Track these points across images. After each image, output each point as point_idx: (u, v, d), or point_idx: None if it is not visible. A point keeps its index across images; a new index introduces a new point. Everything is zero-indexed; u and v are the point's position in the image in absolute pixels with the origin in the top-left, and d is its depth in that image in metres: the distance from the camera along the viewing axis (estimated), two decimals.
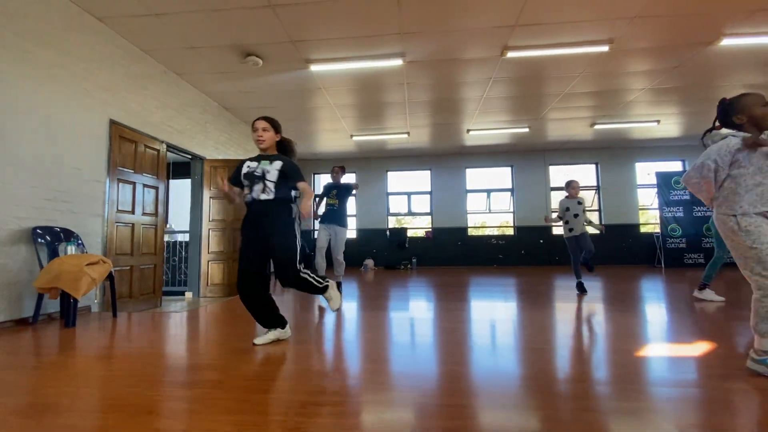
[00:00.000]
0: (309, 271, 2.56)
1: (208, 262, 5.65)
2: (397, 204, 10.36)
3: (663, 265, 8.78)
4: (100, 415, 1.48)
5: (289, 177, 2.50)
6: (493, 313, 3.63)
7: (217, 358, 2.23)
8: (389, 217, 10.27)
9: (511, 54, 4.72)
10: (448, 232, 9.91)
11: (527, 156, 9.88)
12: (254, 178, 2.48)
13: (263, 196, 2.44)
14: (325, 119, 7.22)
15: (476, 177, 10.18)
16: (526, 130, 7.91)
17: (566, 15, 4.05)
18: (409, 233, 10.01)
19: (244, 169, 2.54)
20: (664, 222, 8.86)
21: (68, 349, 2.47)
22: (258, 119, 2.56)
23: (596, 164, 9.78)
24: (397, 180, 10.44)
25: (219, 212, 5.74)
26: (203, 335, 2.99)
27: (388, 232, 10.02)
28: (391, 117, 7.19)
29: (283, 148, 2.70)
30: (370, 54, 4.78)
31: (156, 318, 3.63)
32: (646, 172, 9.58)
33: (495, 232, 10.25)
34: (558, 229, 10.52)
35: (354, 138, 8.24)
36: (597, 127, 7.82)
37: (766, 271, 1.75)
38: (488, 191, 10.05)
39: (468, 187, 10.07)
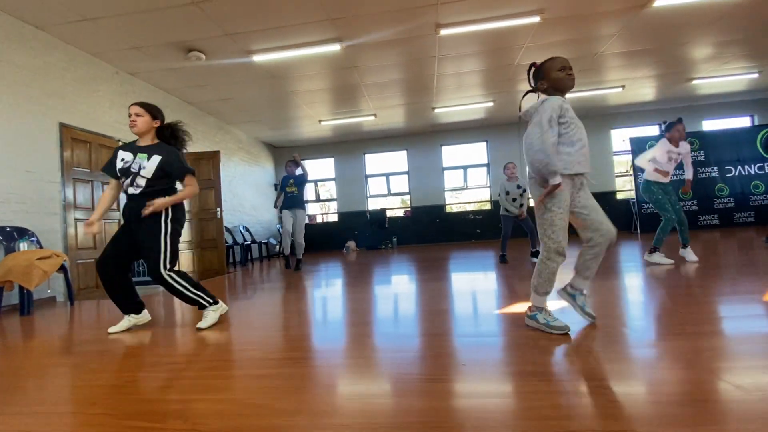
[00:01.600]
0: (184, 281, 2.50)
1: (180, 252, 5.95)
2: (376, 186, 10.53)
3: (639, 231, 8.83)
4: None
5: (171, 173, 2.44)
6: (405, 287, 3.85)
7: (132, 339, 2.51)
8: (369, 199, 10.47)
9: (444, 31, 4.79)
10: (427, 210, 10.09)
11: (501, 130, 9.90)
12: (129, 174, 2.39)
13: (133, 191, 2.39)
14: (288, 107, 7.37)
15: (452, 154, 10.26)
16: (491, 104, 7.94)
17: None
18: (389, 213, 10.21)
19: (119, 164, 2.43)
20: (638, 188, 8.86)
21: (9, 333, 2.79)
22: (132, 104, 2.46)
23: (659, 125, 9.69)
24: (375, 162, 10.58)
25: (185, 203, 6.01)
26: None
27: (368, 214, 10.24)
28: (354, 100, 7.30)
29: (166, 137, 2.52)
30: (307, 41, 4.90)
31: (110, 305, 3.95)
32: (621, 138, 9.53)
33: (473, 207, 10.36)
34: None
35: (323, 123, 8.38)
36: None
37: (554, 235, 1.89)
38: (464, 167, 10.14)
39: (444, 165, 10.17)
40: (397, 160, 10.45)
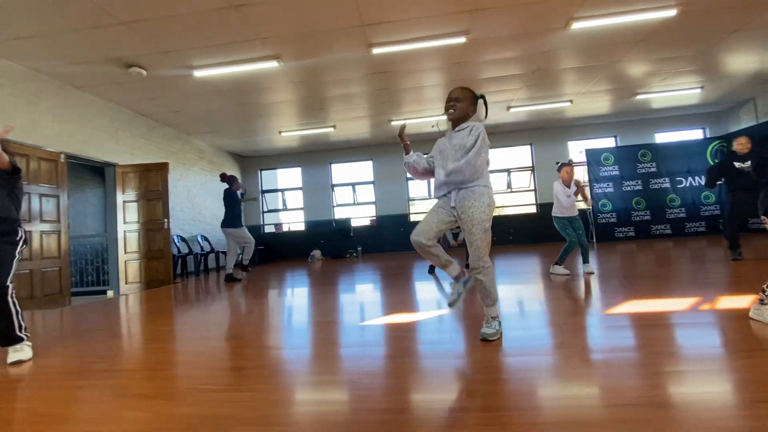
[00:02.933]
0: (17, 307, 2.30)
1: (125, 261, 6.03)
2: (343, 195, 10.67)
3: (595, 240, 9.03)
4: None
5: None
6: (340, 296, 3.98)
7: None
8: (335, 208, 10.60)
9: (375, 50, 4.97)
10: (392, 219, 10.23)
11: None
12: None
13: None
14: (243, 118, 7.49)
15: None
16: (444, 117, 8.12)
17: (416, 12, 4.28)
18: (355, 223, 10.34)
19: None
20: (595, 198, 9.08)
21: None
22: None
23: (530, 145, 9.99)
24: (341, 171, 10.73)
25: (132, 214, 6.10)
26: (51, 331, 3.37)
27: (334, 223, 10.36)
28: (310, 112, 7.46)
29: None
30: (246, 58, 5.04)
31: (33, 316, 4.03)
32: (578, 150, 9.76)
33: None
34: (502, 210, 10.80)
35: (283, 134, 8.52)
36: (514, 110, 8.04)
37: (488, 249, 2.10)
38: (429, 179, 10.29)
39: (408, 175, 10.32)
40: (363, 169, 10.61)
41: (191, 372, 1.92)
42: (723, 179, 4.83)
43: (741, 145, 4.57)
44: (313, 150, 10.44)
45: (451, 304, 2.23)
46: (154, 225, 6.12)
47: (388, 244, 10.18)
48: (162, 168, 6.22)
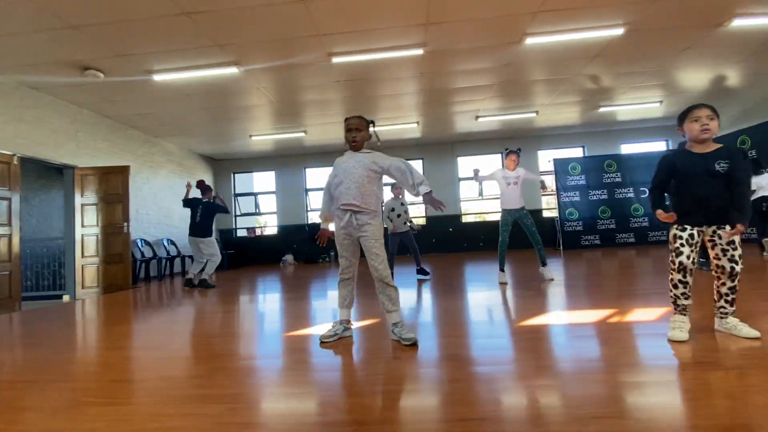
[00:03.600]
0: None
1: (83, 265, 5.93)
2: (317, 199, 10.67)
3: (562, 247, 9.22)
4: None
5: None
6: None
7: None
8: (309, 213, 10.59)
9: (335, 59, 5.03)
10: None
11: (436, 149, 10.24)
12: None
13: None
14: (213, 122, 7.46)
15: None
16: (415, 125, 8.27)
17: (372, 24, 4.35)
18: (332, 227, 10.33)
19: None
20: (562, 206, 9.28)
21: None
22: None
23: (501, 153, 10.15)
24: (316, 176, 10.74)
25: (91, 218, 6.01)
26: None
27: (307, 227, 10.35)
28: (279, 117, 7.47)
29: None
30: (204, 63, 5.04)
31: None
32: (547, 159, 9.98)
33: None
34: (468, 217, 10.95)
35: (253, 138, 8.50)
36: (482, 119, 8.18)
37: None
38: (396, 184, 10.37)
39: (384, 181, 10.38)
40: None
41: (85, 384, 1.92)
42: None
43: None
44: (287, 154, 10.43)
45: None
46: (113, 229, 6.04)
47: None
48: (123, 171, 6.15)
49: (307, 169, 10.64)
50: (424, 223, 10.21)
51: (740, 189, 1.98)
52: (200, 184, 6.00)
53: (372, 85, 6.14)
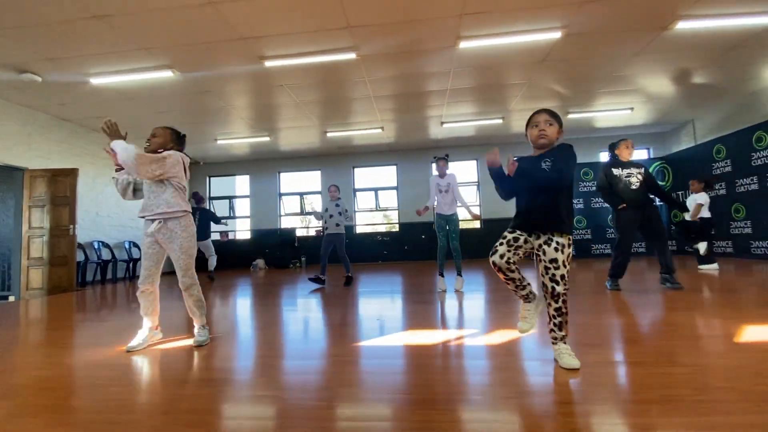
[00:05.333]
0: None
1: (28, 267, 5.96)
2: (291, 204, 10.63)
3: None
4: None
5: None
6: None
7: None
8: (282, 218, 10.54)
9: (268, 63, 4.96)
10: None
11: (411, 154, 10.09)
12: None
13: None
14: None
15: (365, 176, 10.41)
16: (379, 130, 8.14)
17: (295, 27, 4.27)
18: (299, 233, 10.27)
19: None
20: None
21: None
22: None
23: (476, 160, 9.96)
24: (289, 181, 10.71)
25: (38, 220, 6.04)
26: None
27: (279, 232, 10.30)
28: (237, 121, 7.44)
29: None
30: (141, 67, 5.03)
31: None
32: None
33: (383, 229, 10.46)
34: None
35: (218, 141, 8.50)
36: (446, 125, 8.02)
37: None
38: (375, 189, 10.27)
39: (356, 186, 10.30)
40: (312, 179, 10.57)
41: None
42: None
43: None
44: (261, 158, 10.42)
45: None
46: (59, 231, 6.06)
47: (333, 255, 10.06)
48: (71, 173, 6.17)
49: (281, 174, 10.59)
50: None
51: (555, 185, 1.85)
52: (194, 195, 7.13)
53: (332, 90, 6.06)
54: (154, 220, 2.50)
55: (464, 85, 6.14)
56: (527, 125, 2.02)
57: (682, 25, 4.50)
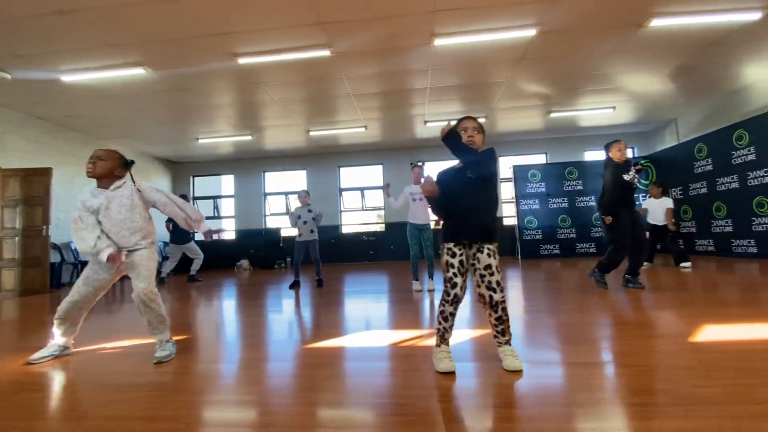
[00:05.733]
0: None
1: (1, 268, 5.83)
2: (276, 204, 10.54)
3: (520, 256, 8.92)
4: None
5: None
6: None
7: None
8: (267, 218, 10.45)
9: (241, 60, 4.88)
10: (322, 230, 10.04)
11: (396, 154, 10.04)
12: None
13: None
14: (147, 124, 7.33)
15: (350, 175, 10.35)
16: (363, 129, 8.09)
17: (267, 23, 4.20)
18: (284, 233, 10.19)
19: None
20: (520, 214, 9.00)
21: None
22: None
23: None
24: (274, 180, 10.61)
25: (10, 220, 5.92)
26: None
27: (264, 232, 10.21)
28: (217, 120, 7.35)
29: None
30: (111, 64, 4.93)
31: None
32: (507, 166, 9.71)
33: (369, 229, 10.39)
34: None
35: (200, 141, 8.40)
36: (430, 125, 7.97)
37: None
38: (362, 189, 10.20)
39: (342, 186, 10.23)
40: (297, 179, 10.49)
41: None
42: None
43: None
44: (246, 158, 10.32)
45: None
46: (32, 232, 5.94)
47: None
48: (45, 173, 6.06)
49: (266, 173, 10.50)
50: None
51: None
52: (181, 197, 6.62)
53: (309, 89, 5.99)
54: None
55: (444, 84, 6.09)
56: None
57: (657, 23, 4.48)
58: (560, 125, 8.76)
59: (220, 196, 10.75)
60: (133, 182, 2.41)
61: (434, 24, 4.37)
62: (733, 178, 6.57)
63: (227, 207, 10.79)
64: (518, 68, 5.63)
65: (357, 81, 5.81)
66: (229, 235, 10.55)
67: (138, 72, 5.06)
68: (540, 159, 9.87)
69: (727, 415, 1.24)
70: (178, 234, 6.77)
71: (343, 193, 10.27)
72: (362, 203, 10.21)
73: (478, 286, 1.83)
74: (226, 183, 11.04)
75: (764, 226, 6.08)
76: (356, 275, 6.85)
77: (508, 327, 1.83)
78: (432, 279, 4.43)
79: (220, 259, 10.05)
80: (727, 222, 6.76)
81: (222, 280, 7.26)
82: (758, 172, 6.10)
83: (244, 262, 9.82)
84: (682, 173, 7.76)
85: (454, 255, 1.84)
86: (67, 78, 5.16)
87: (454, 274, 1.82)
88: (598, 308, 3.09)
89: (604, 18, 4.40)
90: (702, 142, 7.21)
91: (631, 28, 4.65)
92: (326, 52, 4.79)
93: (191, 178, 10.62)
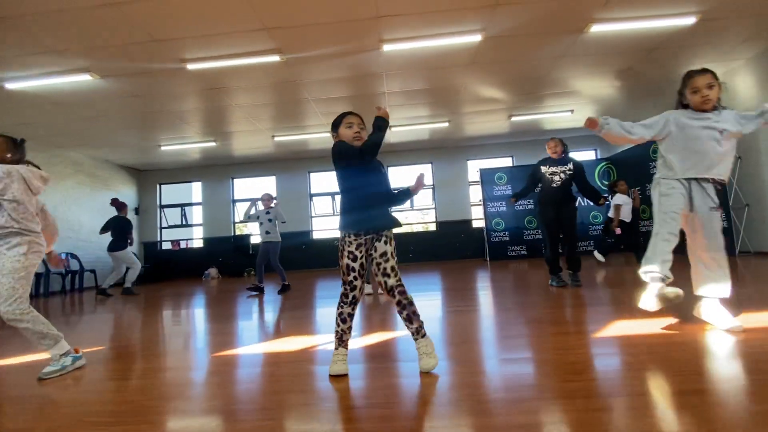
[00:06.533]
0: None
1: None
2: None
3: (488, 258, 9.02)
4: None
5: None
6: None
7: None
8: (235, 225, 10.34)
9: (190, 66, 4.85)
10: (293, 236, 10.00)
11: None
12: None
13: None
14: (104, 131, 7.19)
15: (321, 180, 10.33)
16: (329, 134, 8.06)
17: (216, 29, 4.18)
18: (254, 240, 10.08)
19: None
20: (488, 217, 9.11)
21: None
22: None
23: (431, 163, 10.01)
24: (243, 186, 10.52)
25: None
26: None
27: (232, 239, 10.08)
28: (178, 127, 7.26)
29: None
30: (50, 71, 4.82)
31: None
32: (475, 169, 9.84)
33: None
34: (402, 228, 10.72)
35: (163, 148, 8.28)
36: (395, 129, 8.03)
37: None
38: (332, 194, 10.19)
39: (312, 191, 10.20)
40: (266, 185, 10.41)
41: None
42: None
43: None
44: (213, 164, 10.20)
45: None
46: None
47: (289, 262, 9.89)
48: None
49: (234, 180, 10.40)
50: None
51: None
52: (113, 203, 6.47)
53: (258, 92, 5.97)
54: None
55: (403, 89, 6.15)
56: (339, 124, 1.99)
57: (597, 28, 4.63)
58: (524, 128, 8.93)
59: (187, 204, 10.58)
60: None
61: (381, 30, 4.42)
62: None
63: (196, 215, 10.63)
64: (471, 73, 5.73)
65: (313, 86, 5.82)
66: (197, 242, 10.39)
67: (84, 78, 4.97)
68: (506, 162, 10.03)
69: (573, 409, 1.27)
70: (112, 241, 6.27)
71: (314, 198, 10.23)
72: (333, 208, 10.18)
73: (377, 274, 1.84)
74: (195, 190, 10.87)
75: None
76: (325, 281, 6.81)
77: (414, 313, 1.80)
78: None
79: (188, 267, 9.87)
80: None
81: (183, 289, 7.12)
82: None
83: (212, 271, 9.67)
84: (639, 174, 7.98)
85: (356, 246, 1.84)
86: (10, 85, 5.03)
87: (355, 271, 1.82)
88: (523, 307, 3.14)
89: (545, 24, 4.51)
90: (656, 143, 7.42)
91: (573, 34, 4.78)
92: (276, 58, 4.79)
93: (158, 186, 10.43)
